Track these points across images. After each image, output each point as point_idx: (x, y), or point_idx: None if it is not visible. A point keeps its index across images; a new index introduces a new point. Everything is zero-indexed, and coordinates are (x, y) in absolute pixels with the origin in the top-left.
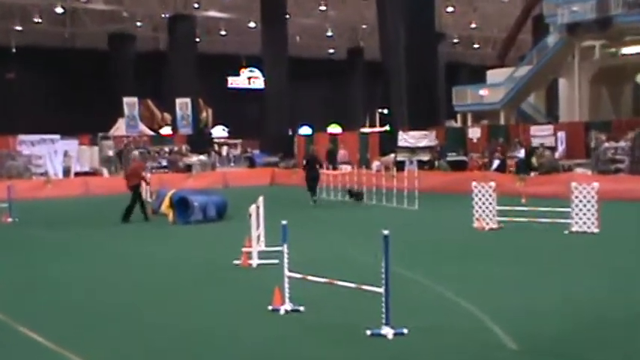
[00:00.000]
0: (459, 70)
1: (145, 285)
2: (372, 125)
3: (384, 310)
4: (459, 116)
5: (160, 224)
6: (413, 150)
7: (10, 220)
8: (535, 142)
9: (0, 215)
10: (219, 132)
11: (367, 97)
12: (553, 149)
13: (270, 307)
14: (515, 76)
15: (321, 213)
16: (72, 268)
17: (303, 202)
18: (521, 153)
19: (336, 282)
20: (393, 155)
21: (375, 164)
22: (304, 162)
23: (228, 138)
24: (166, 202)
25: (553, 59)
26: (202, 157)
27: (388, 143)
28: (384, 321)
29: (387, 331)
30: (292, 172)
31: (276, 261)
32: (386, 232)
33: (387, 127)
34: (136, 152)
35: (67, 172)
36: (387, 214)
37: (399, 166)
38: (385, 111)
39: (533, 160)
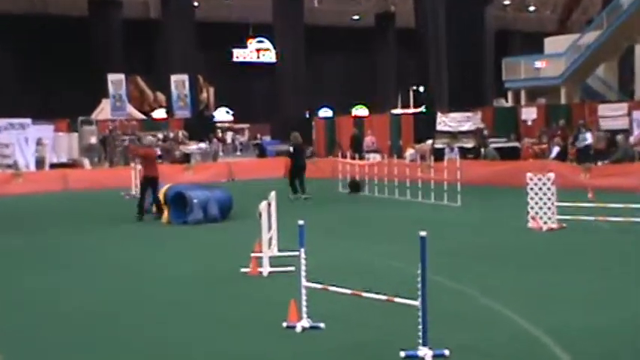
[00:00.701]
0: (510, 39)
1: (136, 298)
2: (405, 106)
3: (420, 327)
4: (509, 94)
5: (152, 225)
6: (454, 135)
7: None
8: (604, 125)
9: None
10: (222, 115)
11: (399, 73)
12: (627, 133)
13: (284, 324)
14: (580, 45)
15: (344, 211)
16: (50, 280)
17: (324, 199)
18: (588, 138)
19: (362, 294)
20: (430, 142)
21: (409, 153)
22: (290, 149)
23: (233, 122)
24: (160, 198)
25: (628, 22)
26: (203, 145)
27: (424, 127)
28: (420, 340)
29: (425, 353)
30: (310, 163)
31: (291, 268)
32: (423, 233)
33: (423, 108)
34: (150, 137)
35: (40, 163)
36: (423, 212)
37: (438, 154)
38: (421, 89)
39: (601, 145)
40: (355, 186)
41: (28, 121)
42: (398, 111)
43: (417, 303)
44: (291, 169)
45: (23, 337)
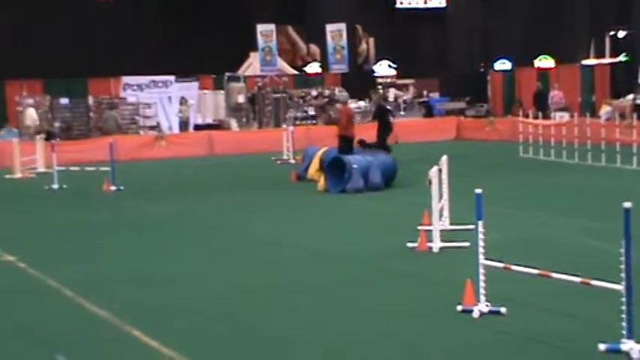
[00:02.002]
0: None
1: (292, 278)
2: (600, 55)
3: (624, 316)
4: None
5: (306, 193)
6: None
7: (112, 188)
8: None
9: (100, 181)
10: (384, 70)
11: (593, 14)
12: None
13: (459, 308)
14: None
15: (525, 178)
16: (192, 256)
17: (502, 164)
18: None
19: (552, 274)
20: (631, 97)
21: (605, 110)
22: (374, 111)
23: (396, 77)
24: (315, 163)
25: None
26: (362, 104)
27: (624, 80)
28: (624, 332)
29: (631, 347)
30: (486, 123)
31: (466, 244)
32: (627, 204)
33: (623, 57)
34: (344, 93)
35: (184, 124)
36: (623, 181)
37: None
38: (620, 33)
39: None
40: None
41: (171, 78)
42: (591, 61)
43: (620, 287)
44: (380, 135)
45: (159, 317)
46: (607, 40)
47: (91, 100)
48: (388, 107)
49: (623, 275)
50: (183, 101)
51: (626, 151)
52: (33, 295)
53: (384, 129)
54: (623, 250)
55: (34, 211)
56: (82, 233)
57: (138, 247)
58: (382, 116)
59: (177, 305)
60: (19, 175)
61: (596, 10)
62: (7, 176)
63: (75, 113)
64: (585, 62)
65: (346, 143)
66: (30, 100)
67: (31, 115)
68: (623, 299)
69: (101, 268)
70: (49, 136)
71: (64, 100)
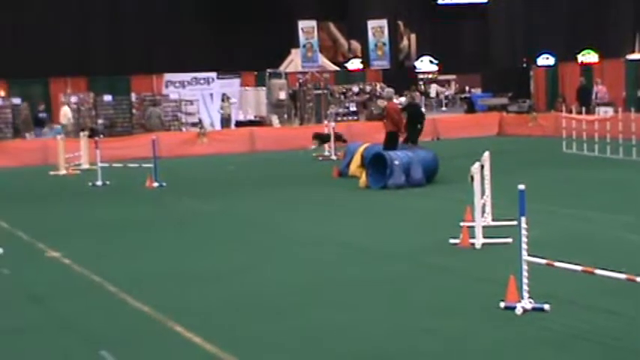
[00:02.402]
0: None
1: (333, 275)
2: None
3: None
4: None
5: (348, 190)
6: None
7: (155, 184)
8: None
9: (143, 178)
10: (425, 65)
11: (637, 9)
12: None
13: (502, 304)
14: None
15: (568, 174)
16: (235, 252)
17: (545, 160)
18: None
19: (596, 271)
20: None
21: None
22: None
23: (437, 73)
24: (357, 160)
25: None
26: (404, 99)
27: None
28: None
29: None
30: (529, 118)
31: (509, 240)
32: None
33: None
34: (389, 89)
35: (226, 121)
36: None
37: None
38: None
39: None
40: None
41: (213, 75)
42: (635, 56)
43: None
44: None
45: (203, 312)
46: None
47: (133, 97)
48: (419, 105)
49: None
50: (224, 98)
51: None
52: (77, 290)
53: (414, 127)
54: None
55: (78, 207)
56: (124, 229)
57: (180, 244)
58: (412, 114)
59: (220, 301)
60: (63, 171)
61: None
62: (52, 173)
63: (118, 110)
64: (630, 57)
65: (393, 139)
66: (73, 98)
67: (66, 114)
68: None
69: (144, 264)
70: (93, 133)
71: (108, 97)
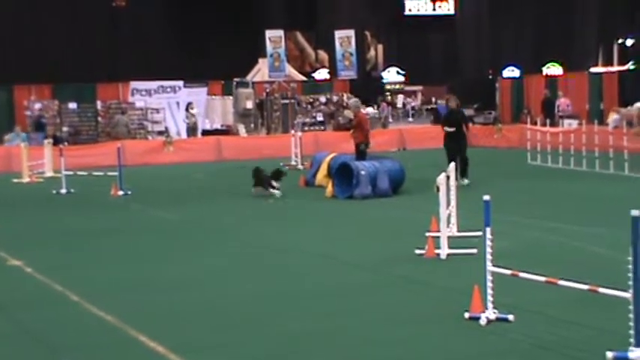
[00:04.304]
0: None
1: (299, 286)
2: (608, 63)
3: (632, 324)
4: None
5: (314, 199)
6: None
7: (120, 193)
8: None
9: (108, 186)
10: (392, 76)
11: (601, 23)
12: None
13: (466, 315)
14: None
15: (533, 186)
16: (200, 261)
17: (511, 170)
18: None
19: (559, 282)
20: (639, 105)
21: (613, 118)
22: (443, 120)
23: (404, 84)
24: (324, 169)
25: None
26: (370, 110)
27: (632, 88)
28: (632, 340)
29: (638, 355)
30: (494, 130)
31: (473, 251)
32: (635, 212)
33: (631, 65)
34: (355, 99)
35: (192, 130)
36: (631, 189)
37: None
38: (629, 41)
39: None
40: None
41: (179, 83)
42: (599, 69)
43: (628, 295)
44: (448, 147)
45: (166, 322)
46: (615, 48)
47: (99, 104)
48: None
49: (631, 283)
50: (189, 107)
51: (634, 158)
52: (39, 299)
53: (463, 138)
54: (631, 258)
55: (42, 215)
56: (88, 238)
57: (145, 252)
58: (460, 123)
59: (185, 310)
60: (27, 179)
61: (604, 18)
62: (15, 180)
63: (83, 118)
64: (593, 70)
65: (363, 149)
66: (37, 105)
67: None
68: (631, 307)
69: (108, 273)
70: (57, 141)
71: (73, 105)
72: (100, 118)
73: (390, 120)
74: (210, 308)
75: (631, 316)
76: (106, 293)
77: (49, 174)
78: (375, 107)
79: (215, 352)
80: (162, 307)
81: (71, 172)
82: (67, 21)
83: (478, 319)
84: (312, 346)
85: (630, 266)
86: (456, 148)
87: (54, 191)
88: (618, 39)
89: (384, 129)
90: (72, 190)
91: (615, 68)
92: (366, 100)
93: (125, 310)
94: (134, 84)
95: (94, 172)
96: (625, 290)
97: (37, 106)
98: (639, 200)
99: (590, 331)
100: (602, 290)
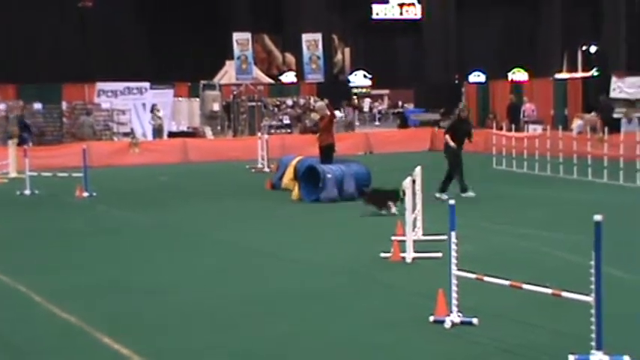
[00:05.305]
0: None
1: (266, 290)
2: (572, 69)
3: (593, 327)
4: None
5: (280, 202)
6: (632, 103)
7: (85, 194)
8: None
9: (72, 188)
10: (359, 80)
11: (565, 30)
12: None
13: (431, 318)
14: None
15: (499, 191)
16: (165, 265)
17: (478, 175)
18: None
19: (523, 286)
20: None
21: (577, 124)
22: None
23: (371, 88)
24: (290, 172)
25: None
26: (337, 114)
27: (595, 94)
28: (593, 343)
29: (600, 358)
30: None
31: (438, 254)
32: (598, 217)
33: (594, 72)
34: (321, 102)
35: (158, 131)
36: (594, 194)
37: (612, 125)
38: (592, 48)
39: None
40: None
41: (146, 85)
42: (563, 75)
43: (589, 299)
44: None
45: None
46: (579, 55)
47: (64, 105)
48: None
49: (592, 287)
50: (154, 109)
51: (597, 164)
52: (1, 301)
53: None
54: (593, 263)
55: (5, 217)
56: (53, 240)
57: (110, 255)
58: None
59: (151, 313)
60: None
61: (568, 25)
62: None
63: (48, 118)
64: (558, 76)
65: (329, 152)
66: (1, 106)
67: None
68: (593, 311)
69: (72, 275)
70: (21, 141)
71: (37, 106)
72: (65, 119)
73: (357, 123)
74: (177, 312)
75: (592, 319)
76: (70, 295)
77: (13, 175)
78: (342, 110)
79: (180, 356)
80: (127, 310)
81: (35, 173)
82: (33, 21)
83: (443, 322)
84: (283, 349)
85: (592, 270)
86: (459, 159)
87: (18, 192)
88: (582, 46)
89: (350, 132)
90: (36, 192)
91: (579, 74)
92: (333, 103)
93: (90, 312)
94: (100, 85)
95: (59, 173)
96: (587, 294)
97: (1, 106)
98: (601, 205)
99: (553, 335)
100: (564, 294)
